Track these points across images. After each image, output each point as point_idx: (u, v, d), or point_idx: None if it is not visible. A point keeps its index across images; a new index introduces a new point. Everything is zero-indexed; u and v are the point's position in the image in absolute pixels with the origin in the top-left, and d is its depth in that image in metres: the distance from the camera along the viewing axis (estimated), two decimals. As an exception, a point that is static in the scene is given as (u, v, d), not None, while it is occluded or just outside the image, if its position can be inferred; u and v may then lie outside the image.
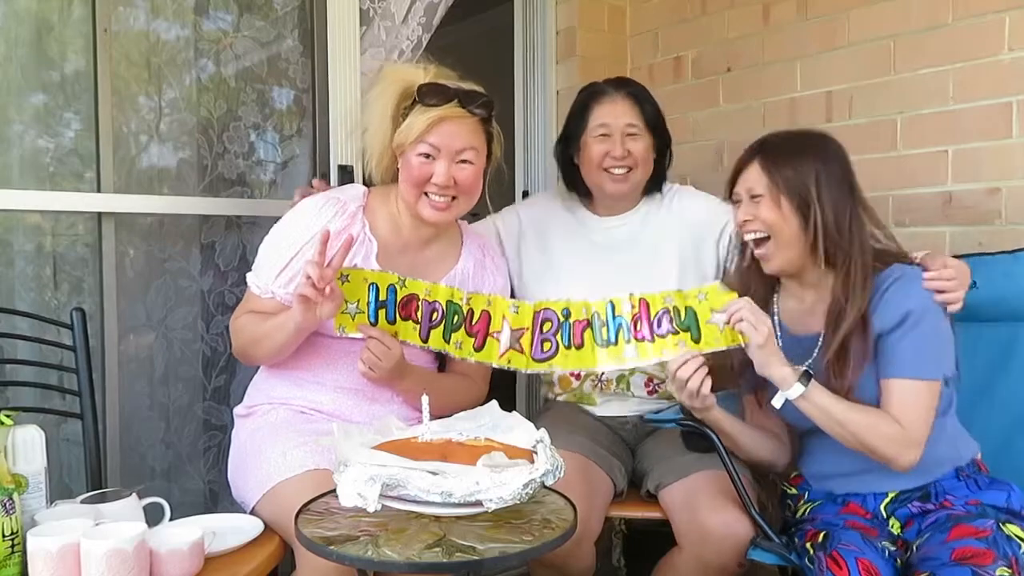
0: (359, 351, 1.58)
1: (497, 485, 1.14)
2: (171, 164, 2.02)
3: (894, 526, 1.50)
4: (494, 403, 1.45)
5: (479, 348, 1.51)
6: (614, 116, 1.87)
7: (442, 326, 1.57)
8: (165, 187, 2.00)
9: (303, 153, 2.17)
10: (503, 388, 2.09)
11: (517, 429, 1.33)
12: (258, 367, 1.75)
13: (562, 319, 1.47)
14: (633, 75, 2.70)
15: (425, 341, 1.58)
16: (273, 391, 1.68)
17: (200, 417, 2.07)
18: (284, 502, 1.40)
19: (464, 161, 1.58)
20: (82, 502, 1.37)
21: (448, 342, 1.57)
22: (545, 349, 1.47)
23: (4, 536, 1.21)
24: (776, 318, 1.62)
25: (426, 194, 1.59)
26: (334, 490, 1.21)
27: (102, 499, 1.37)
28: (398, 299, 1.58)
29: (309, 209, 1.63)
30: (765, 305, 1.58)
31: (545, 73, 2.66)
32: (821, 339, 1.53)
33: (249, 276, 1.67)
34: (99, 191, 1.88)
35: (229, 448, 1.70)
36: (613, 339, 1.51)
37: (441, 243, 1.74)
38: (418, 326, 1.58)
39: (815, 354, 1.54)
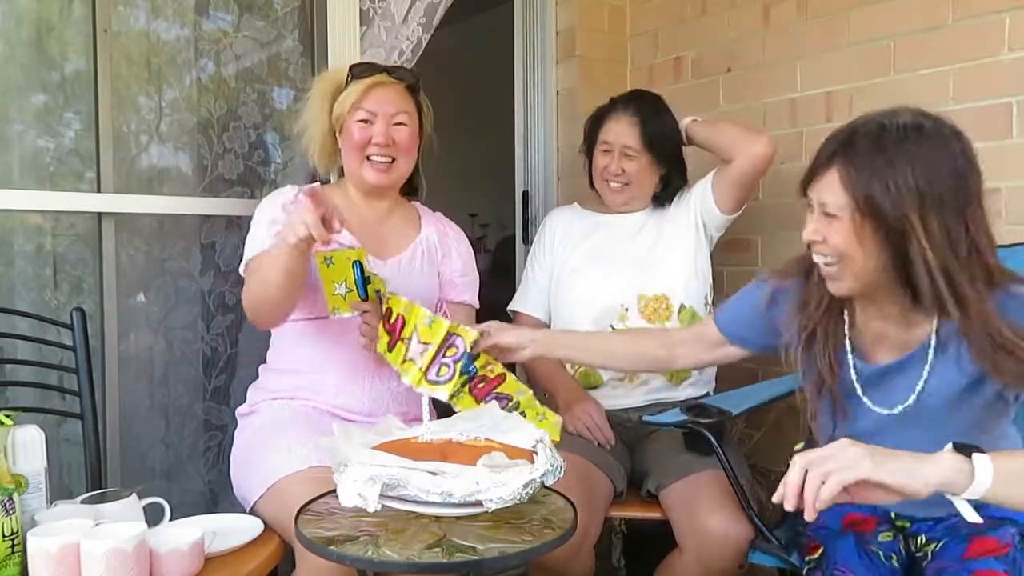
0: (353, 329, 1.60)
1: (497, 485, 1.14)
2: (171, 164, 2.02)
3: (902, 522, 1.40)
4: (494, 403, 1.45)
5: (390, 348, 1.51)
6: (616, 135, 2.01)
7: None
8: (165, 187, 2.00)
9: (303, 153, 2.17)
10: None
11: (517, 430, 1.33)
12: (257, 369, 1.76)
13: (468, 350, 1.46)
14: (633, 75, 2.71)
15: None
16: (275, 386, 1.70)
17: (200, 417, 2.07)
18: (286, 499, 1.41)
19: (399, 124, 1.70)
20: (82, 502, 1.36)
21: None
22: (440, 374, 1.45)
23: (4, 536, 1.21)
24: (848, 346, 1.33)
25: (368, 158, 1.70)
26: (334, 490, 1.21)
27: (102, 499, 1.37)
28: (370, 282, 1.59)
29: (271, 196, 1.74)
30: (836, 327, 1.32)
31: (545, 73, 2.66)
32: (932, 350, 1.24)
33: (242, 267, 1.69)
34: (99, 191, 1.88)
35: (229, 448, 1.70)
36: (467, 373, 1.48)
37: (398, 217, 1.81)
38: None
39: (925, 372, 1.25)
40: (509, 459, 1.19)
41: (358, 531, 1.19)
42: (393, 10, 2.10)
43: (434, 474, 1.16)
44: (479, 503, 1.15)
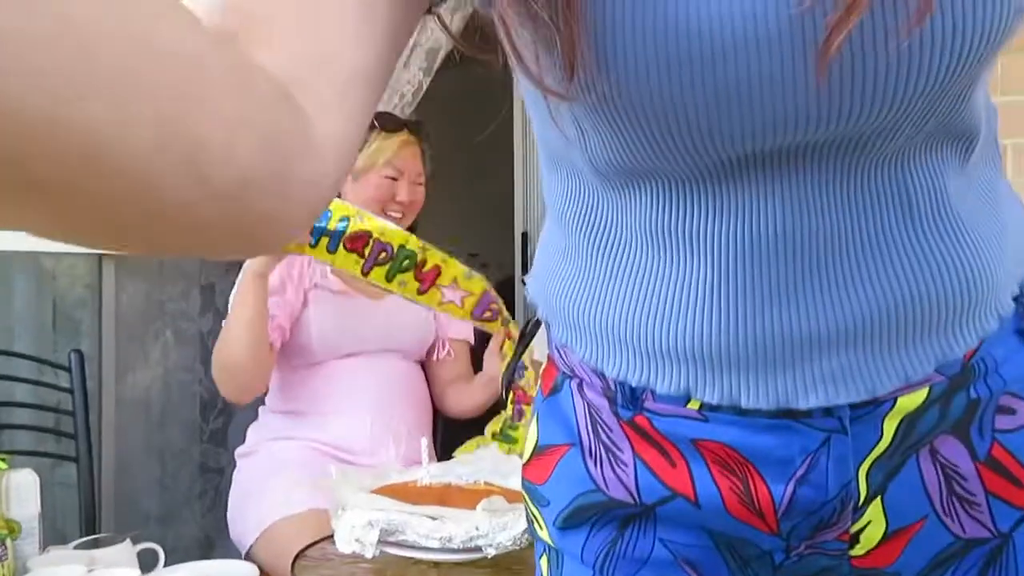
0: (354, 373, 1.63)
1: (497, 530, 1.13)
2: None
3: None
4: (494, 446, 1.44)
5: (423, 292, 1.56)
6: None
7: (387, 266, 1.57)
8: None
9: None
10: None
11: (517, 473, 1.31)
12: (256, 410, 1.75)
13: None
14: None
15: (365, 275, 1.57)
16: (276, 426, 1.69)
17: (197, 460, 2.05)
18: (282, 542, 1.40)
19: (418, 183, 1.75)
20: (75, 548, 1.35)
21: (391, 281, 1.58)
22: (485, 316, 1.59)
23: (-5, 583, 1.19)
24: None
25: (384, 212, 1.70)
26: (331, 535, 1.19)
27: (95, 545, 1.35)
28: (347, 232, 1.55)
29: None
30: None
31: (544, 115, 2.68)
32: None
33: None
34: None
35: (225, 492, 1.69)
36: None
37: None
38: (361, 260, 1.58)
39: None
40: (509, 503, 1.17)
41: (356, 578, 1.17)
42: (394, 54, 2.13)
43: (433, 518, 1.14)
44: (478, 549, 1.13)
